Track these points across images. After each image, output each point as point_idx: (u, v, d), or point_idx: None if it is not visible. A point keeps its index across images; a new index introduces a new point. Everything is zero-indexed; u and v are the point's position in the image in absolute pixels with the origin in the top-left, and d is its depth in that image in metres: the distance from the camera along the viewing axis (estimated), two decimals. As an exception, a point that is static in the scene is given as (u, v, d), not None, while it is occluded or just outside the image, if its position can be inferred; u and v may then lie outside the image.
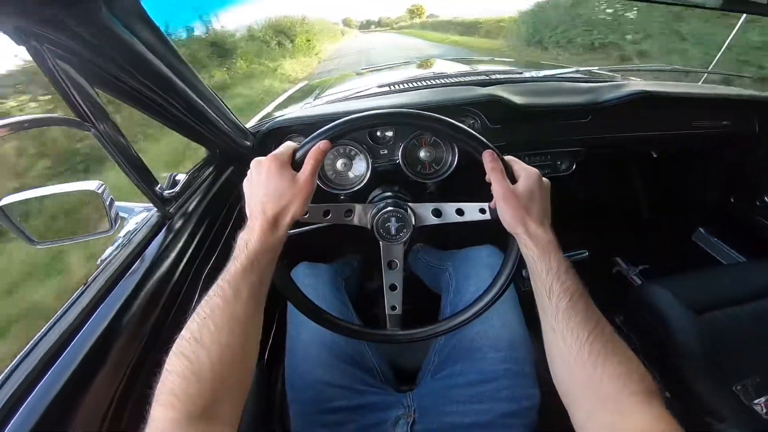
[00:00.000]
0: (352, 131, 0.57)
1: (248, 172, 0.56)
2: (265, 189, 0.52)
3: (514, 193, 0.54)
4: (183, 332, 0.43)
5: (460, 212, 0.64)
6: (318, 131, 0.55)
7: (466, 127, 0.59)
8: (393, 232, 0.65)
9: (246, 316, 0.45)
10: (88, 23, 0.41)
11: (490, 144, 0.58)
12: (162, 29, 0.54)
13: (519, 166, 0.58)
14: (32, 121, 0.47)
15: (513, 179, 0.56)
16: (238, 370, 0.44)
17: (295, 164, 0.55)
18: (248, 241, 0.50)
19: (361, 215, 0.66)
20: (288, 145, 0.56)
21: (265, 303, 0.50)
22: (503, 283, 0.62)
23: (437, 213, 0.66)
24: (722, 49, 1.25)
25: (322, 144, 0.54)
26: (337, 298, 0.88)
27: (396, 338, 0.68)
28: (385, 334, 0.68)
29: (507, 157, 0.59)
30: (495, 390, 0.67)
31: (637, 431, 0.39)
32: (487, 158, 0.57)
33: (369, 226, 0.66)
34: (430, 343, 0.81)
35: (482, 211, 0.63)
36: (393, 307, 0.69)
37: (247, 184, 0.55)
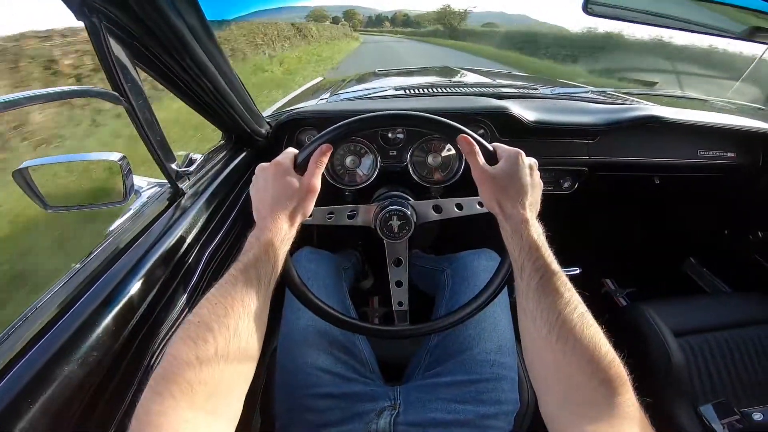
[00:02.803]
0: (352, 133, 0.60)
1: (254, 178, 0.58)
2: (273, 192, 0.55)
3: (490, 174, 0.56)
4: (190, 317, 0.41)
5: (459, 207, 0.66)
6: (318, 135, 0.58)
7: (438, 117, 0.60)
8: (395, 230, 0.68)
9: (256, 304, 0.45)
10: (146, 3, 0.43)
11: (463, 128, 0.59)
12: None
13: (501, 149, 0.59)
14: (73, 92, 0.49)
15: (496, 161, 0.58)
16: (244, 359, 0.42)
17: (299, 168, 0.57)
18: (259, 236, 0.51)
19: (364, 216, 0.69)
20: (289, 151, 0.59)
21: (270, 297, 0.50)
22: (504, 274, 0.64)
23: (438, 209, 0.68)
24: (740, 79, 1.27)
25: (324, 147, 0.57)
26: (337, 289, 0.90)
27: (403, 333, 0.70)
28: (395, 330, 0.71)
29: (493, 144, 0.60)
30: (479, 392, 0.69)
31: (605, 423, 0.37)
32: (462, 142, 0.58)
33: (372, 226, 0.69)
34: (420, 342, 0.84)
35: (480, 204, 0.65)
36: (400, 303, 0.72)
37: (253, 189, 0.58)
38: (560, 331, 0.43)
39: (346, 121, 0.59)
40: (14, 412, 0.36)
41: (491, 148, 0.59)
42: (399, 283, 0.72)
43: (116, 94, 0.54)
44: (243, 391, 0.42)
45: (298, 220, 0.56)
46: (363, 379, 0.75)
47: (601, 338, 0.43)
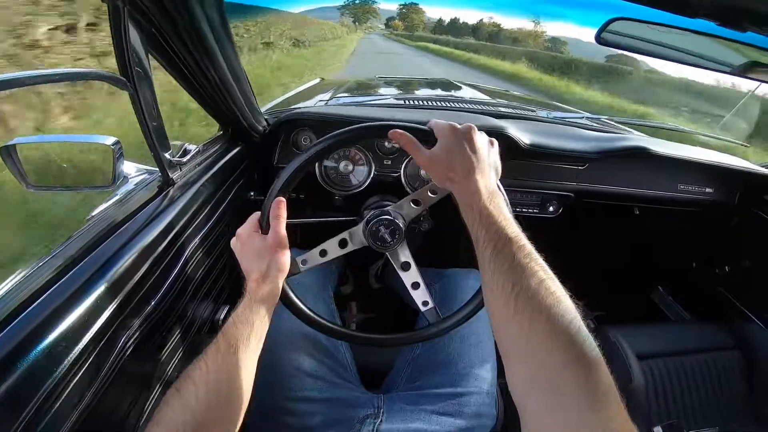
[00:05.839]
0: (298, 177, 0.61)
1: (234, 252, 0.62)
2: (245, 257, 0.60)
3: (432, 157, 0.57)
4: (183, 372, 0.48)
5: (433, 191, 0.66)
6: (269, 192, 0.61)
7: (362, 125, 0.61)
8: (388, 238, 0.68)
9: (234, 361, 0.50)
10: None
11: (388, 124, 0.59)
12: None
13: (437, 127, 0.59)
14: (79, 74, 0.48)
15: (436, 139, 0.58)
16: (224, 406, 0.47)
17: (264, 228, 0.61)
18: (242, 300, 0.57)
19: (355, 238, 0.69)
20: (252, 217, 0.63)
21: (259, 351, 0.55)
22: None
23: (417, 202, 0.69)
24: (728, 115, 1.32)
25: (276, 202, 0.60)
26: (323, 294, 0.90)
27: (434, 334, 0.71)
28: (426, 334, 0.72)
29: (429, 122, 0.60)
30: (461, 405, 0.70)
31: (576, 411, 0.33)
32: (395, 138, 0.59)
33: (367, 244, 0.69)
34: (399, 351, 0.85)
35: None
36: (425, 303, 0.72)
37: (238, 260, 0.62)
38: (516, 302, 0.40)
39: (288, 167, 0.61)
40: None
41: (427, 128, 0.60)
42: (416, 285, 0.72)
43: (123, 78, 0.52)
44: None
45: (274, 276, 0.59)
46: (346, 384, 0.75)
47: (564, 308, 0.39)
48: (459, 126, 0.58)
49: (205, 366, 0.47)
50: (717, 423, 0.99)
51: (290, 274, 0.62)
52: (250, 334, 0.53)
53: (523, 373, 0.39)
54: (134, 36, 0.50)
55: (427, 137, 0.59)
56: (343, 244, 0.68)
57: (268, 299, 0.57)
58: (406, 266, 0.71)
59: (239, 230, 0.62)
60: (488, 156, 0.58)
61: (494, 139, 0.62)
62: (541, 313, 0.38)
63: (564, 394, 0.34)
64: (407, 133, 0.58)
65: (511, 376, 0.40)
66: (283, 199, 0.60)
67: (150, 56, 0.57)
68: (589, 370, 0.35)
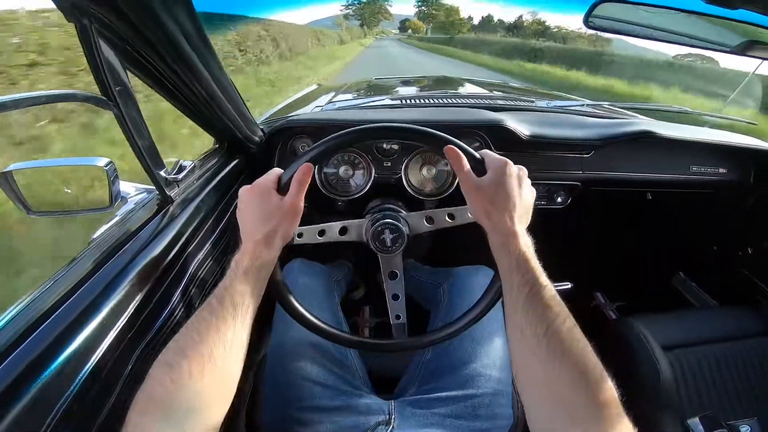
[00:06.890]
0: (338, 149, 0.60)
1: (238, 202, 0.59)
2: (253, 213, 0.56)
3: (479, 186, 0.56)
4: (170, 343, 0.44)
5: (451, 216, 0.66)
6: (301, 155, 0.58)
7: (425, 128, 0.59)
8: (388, 243, 0.67)
9: (232, 331, 0.47)
10: (137, 4, 0.43)
11: (450, 138, 0.58)
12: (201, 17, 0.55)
13: (489, 158, 0.58)
14: (59, 96, 0.48)
15: (485, 170, 0.57)
16: (220, 383, 0.44)
17: (282, 189, 0.57)
18: (239, 261, 0.53)
19: (356, 231, 0.68)
20: (273, 172, 0.59)
21: (253, 320, 0.51)
22: (498, 289, 0.63)
23: (430, 220, 0.67)
24: (732, 95, 1.28)
25: (305, 167, 0.56)
26: (329, 302, 0.89)
27: (404, 345, 0.70)
28: (394, 343, 0.70)
29: (481, 151, 0.59)
30: (475, 407, 0.68)
31: None
32: (450, 154, 0.57)
33: (365, 240, 0.68)
34: (413, 355, 0.83)
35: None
36: (398, 317, 0.71)
37: (239, 213, 0.58)
38: (549, 345, 0.43)
39: (331, 137, 0.58)
40: None
41: (479, 157, 0.58)
42: (396, 297, 0.71)
43: (104, 98, 0.52)
44: (221, 411, 0.44)
45: (278, 243, 0.56)
46: (356, 391, 0.74)
47: (590, 353, 0.43)
48: (513, 165, 0.57)
49: (198, 336, 0.44)
50: (756, 413, 0.93)
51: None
52: (249, 301, 0.50)
53: (547, 410, 0.42)
54: (109, 54, 0.50)
55: (475, 165, 0.58)
56: (342, 231, 0.68)
57: (267, 265, 0.55)
58: (393, 275, 0.71)
59: (257, 181, 0.58)
60: (529, 202, 0.58)
61: (534, 189, 0.61)
62: (570, 357, 0.42)
63: (583, 424, 0.38)
64: (463, 155, 0.57)
65: (534, 411, 0.44)
66: (312, 166, 0.57)
67: (132, 73, 0.57)
68: (608, 405, 0.39)
